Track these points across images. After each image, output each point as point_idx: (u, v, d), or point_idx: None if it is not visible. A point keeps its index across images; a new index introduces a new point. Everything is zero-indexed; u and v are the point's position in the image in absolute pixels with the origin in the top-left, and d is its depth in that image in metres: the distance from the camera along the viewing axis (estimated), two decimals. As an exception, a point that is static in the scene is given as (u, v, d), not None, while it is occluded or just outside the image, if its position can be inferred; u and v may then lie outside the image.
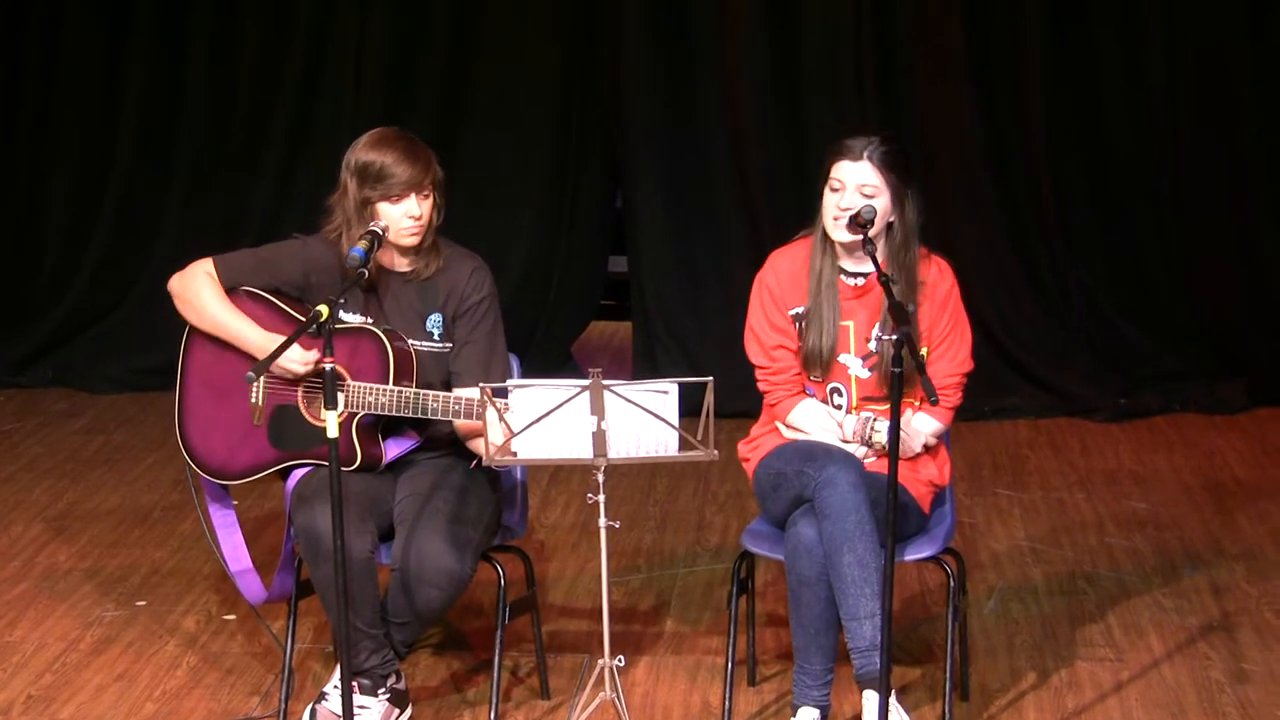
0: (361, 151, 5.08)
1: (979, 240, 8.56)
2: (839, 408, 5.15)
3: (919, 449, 5.14)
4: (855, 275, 5.12)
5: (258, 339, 5.08)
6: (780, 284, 5.15)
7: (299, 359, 5.06)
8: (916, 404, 5.12)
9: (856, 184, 4.98)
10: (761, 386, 5.22)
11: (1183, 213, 8.64)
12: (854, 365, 5.12)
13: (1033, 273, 8.69)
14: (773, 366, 5.17)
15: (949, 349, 5.14)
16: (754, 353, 5.20)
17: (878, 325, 5.09)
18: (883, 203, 4.99)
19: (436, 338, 5.18)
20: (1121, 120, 8.59)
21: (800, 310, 5.13)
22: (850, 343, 5.12)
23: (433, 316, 5.18)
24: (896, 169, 5.01)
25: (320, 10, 8.92)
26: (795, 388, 5.18)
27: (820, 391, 5.16)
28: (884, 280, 4.74)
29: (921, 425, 5.14)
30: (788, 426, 5.19)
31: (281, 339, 4.83)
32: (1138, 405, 8.38)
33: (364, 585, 4.95)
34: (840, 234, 5.01)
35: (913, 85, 8.57)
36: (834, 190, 5.02)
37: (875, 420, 5.08)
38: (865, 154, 4.98)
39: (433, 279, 5.18)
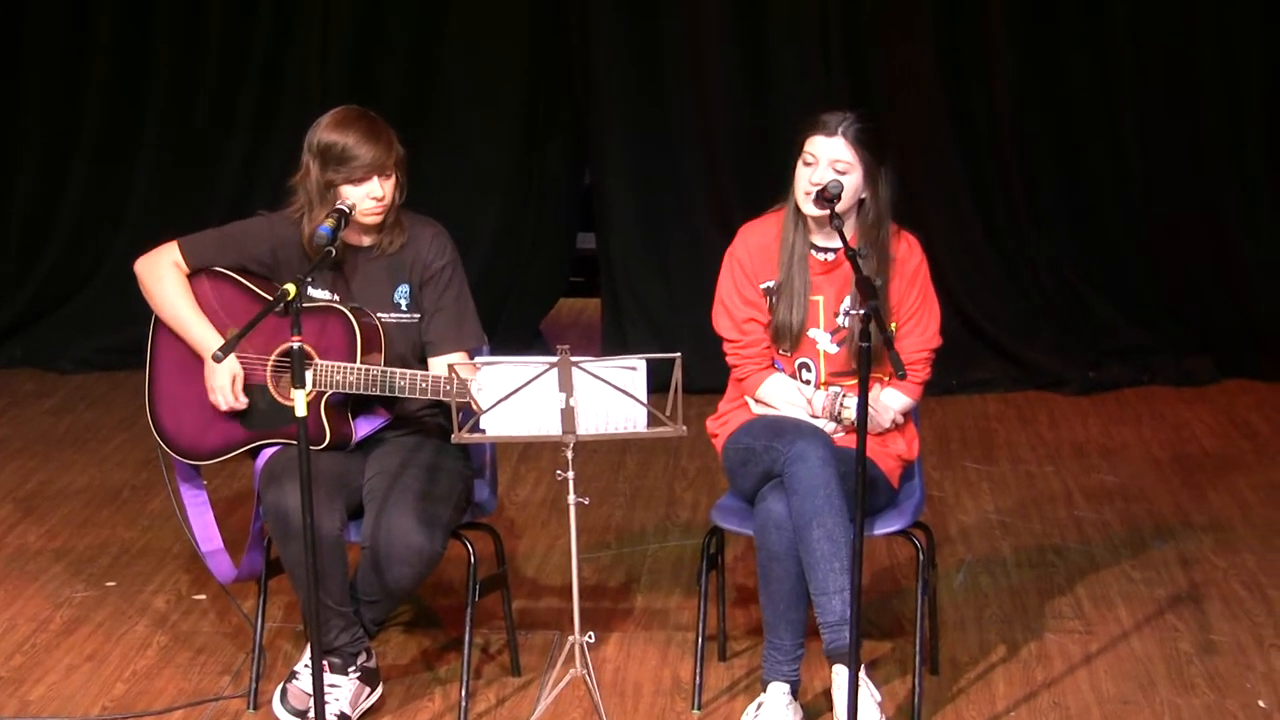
0: (323, 132, 5.06)
1: (947, 215, 8.57)
2: (807, 383, 5.16)
3: (888, 424, 5.15)
4: (826, 250, 5.12)
5: (210, 339, 5.08)
6: (751, 257, 5.15)
7: (229, 397, 5.08)
8: (885, 379, 5.13)
9: (830, 159, 4.98)
10: (730, 360, 5.22)
11: (1150, 187, 8.66)
12: (823, 340, 5.12)
13: (1000, 247, 8.71)
14: (743, 340, 5.17)
15: (918, 324, 5.15)
16: (724, 326, 5.20)
17: (846, 300, 5.10)
18: (855, 179, 4.99)
19: (404, 308, 5.17)
20: (1088, 96, 8.60)
21: (771, 284, 5.13)
22: (820, 317, 5.12)
23: (401, 288, 5.18)
24: (871, 146, 5.00)
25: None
26: (764, 362, 5.18)
27: (789, 366, 5.17)
28: (851, 255, 4.74)
29: (890, 400, 5.15)
30: (756, 401, 5.20)
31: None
32: (1106, 378, 8.41)
33: (333, 563, 4.94)
34: (812, 208, 5.02)
35: (879, 60, 8.57)
36: (807, 164, 5.03)
37: (844, 396, 5.09)
38: (840, 130, 4.99)
39: (398, 253, 5.17)
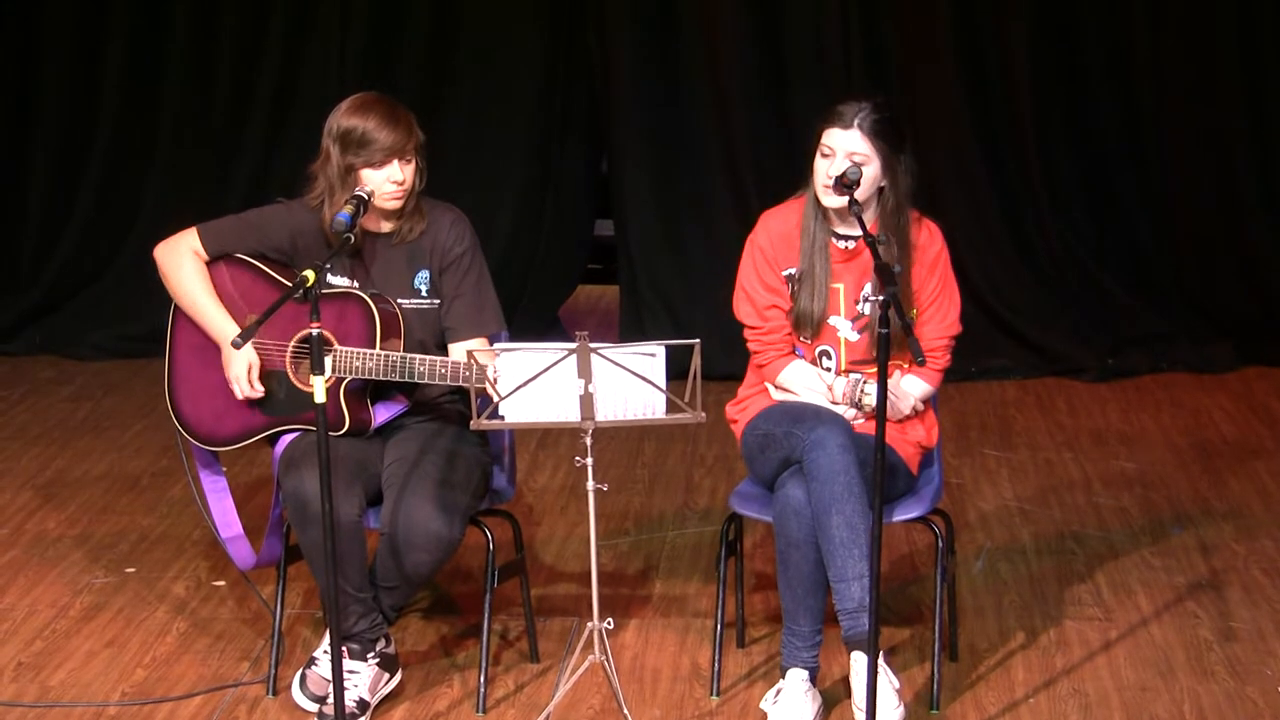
0: (343, 117, 5.06)
1: (965, 201, 8.56)
2: (828, 370, 5.15)
3: (907, 411, 5.15)
4: (846, 239, 5.12)
5: (226, 327, 5.09)
6: (773, 244, 5.15)
7: (245, 386, 5.09)
8: (905, 366, 5.12)
9: (846, 151, 4.98)
10: (752, 346, 5.22)
11: (1168, 173, 8.64)
12: (844, 328, 5.12)
13: (1019, 233, 8.69)
14: (765, 326, 5.17)
15: (938, 311, 5.14)
16: (745, 313, 5.20)
17: (867, 287, 5.10)
18: (873, 169, 4.98)
19: (424, 294, 5.17)
20: (1107, 82, 8.58)
21: (793, 271, 5.13)
22: (841, 305, 5.12)
23: (420, 274, 5.18)
24: (887, 136, 5.00)
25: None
26: (786, 348, 5.18)
27: (809, 353, 5.16)
28: (870, 241, 4.74)
29: (910, 387, 5.14)
30: (777, 387, 5.19)
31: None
32: (1125, 365, 8.38)
33: (352, 549, 4.95)
34: (832, 200, 5.01)
35: (898, 44, 8.55)
36: (825, 157, 5.02)
37: (865, 382, 5.08)
38: (856, 121, 4.98)
39: (417, 239, 5.17)
